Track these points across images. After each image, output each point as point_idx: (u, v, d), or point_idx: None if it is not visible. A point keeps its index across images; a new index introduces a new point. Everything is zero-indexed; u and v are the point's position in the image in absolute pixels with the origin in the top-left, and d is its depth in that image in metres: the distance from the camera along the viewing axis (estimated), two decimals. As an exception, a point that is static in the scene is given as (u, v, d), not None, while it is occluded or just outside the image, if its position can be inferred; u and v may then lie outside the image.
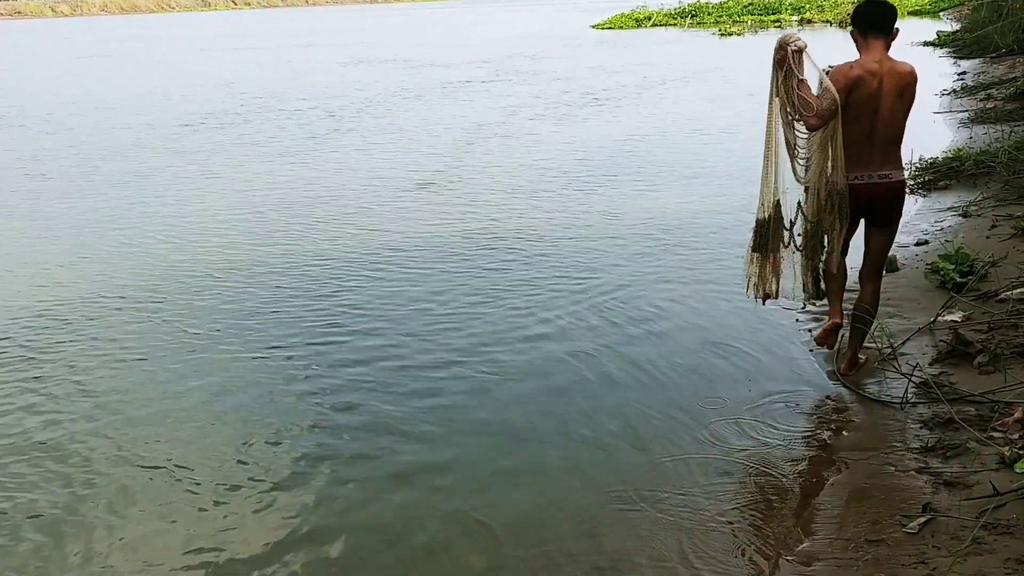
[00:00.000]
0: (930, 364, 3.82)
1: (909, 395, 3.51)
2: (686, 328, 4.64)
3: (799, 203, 3.84)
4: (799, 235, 3.86)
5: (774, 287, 3.97)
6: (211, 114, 14.76)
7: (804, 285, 4.00)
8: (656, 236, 6.43)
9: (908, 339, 4.11)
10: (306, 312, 5.16)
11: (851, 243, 3.91)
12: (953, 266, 4.66)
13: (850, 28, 3.79)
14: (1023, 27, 14.45)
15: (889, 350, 3.96)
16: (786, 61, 3.62)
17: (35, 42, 46.18)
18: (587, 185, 8.24)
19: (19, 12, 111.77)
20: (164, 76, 22.96)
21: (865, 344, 4.03)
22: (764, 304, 4.12)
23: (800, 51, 3.66)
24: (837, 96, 3.52)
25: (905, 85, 3.60)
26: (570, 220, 7.03)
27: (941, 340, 3.95)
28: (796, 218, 3.85)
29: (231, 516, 3.16)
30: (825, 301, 4.07)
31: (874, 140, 3.60)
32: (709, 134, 10.83)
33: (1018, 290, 4.27)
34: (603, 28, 35.10)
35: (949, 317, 4.22)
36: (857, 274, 3.96)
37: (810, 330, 4.45)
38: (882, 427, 3.38)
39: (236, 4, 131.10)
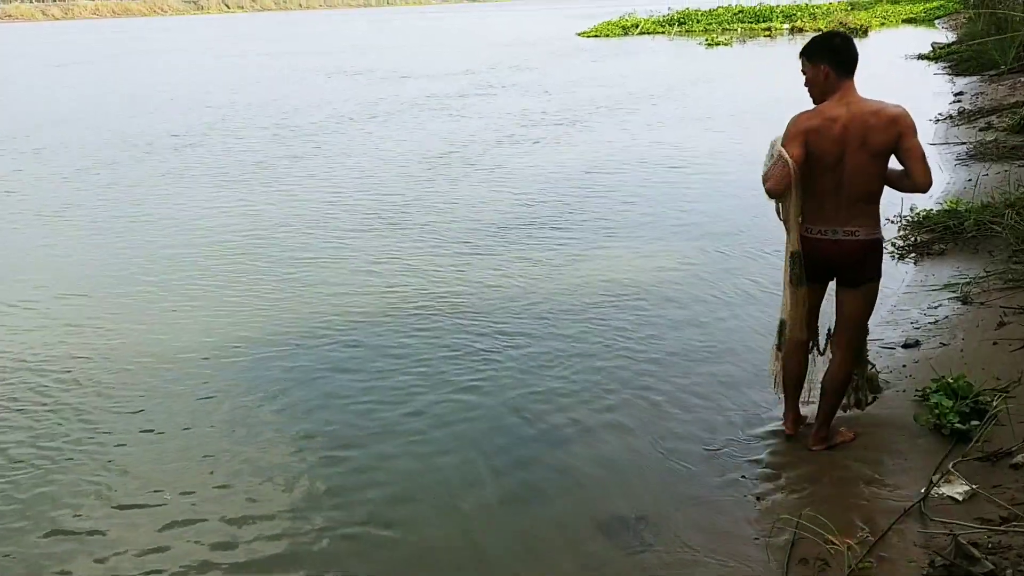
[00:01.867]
0: (919, 585, 2.68)
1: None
2: (592, 496, 3.46)
3: None
4: None
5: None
6: (159, 136, 13.71)
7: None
8: (603, 313, 5.29)
9: (891, 528, 2.97)
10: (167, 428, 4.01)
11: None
12: (951, 402, 3.52)
13: (818, 64, 3.25)
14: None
15: (860, 556, 2.81)
16: None
17: (19, 47, 45.10)
18: (539, 236, 7.13)
19: (9, 16, 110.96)
20: (137, 87, 21.95)
21: (831, 540, 2.90)
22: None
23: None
24: (787, 157, 3.17)
25: (868, 130, 3.14)
26: (511, 284, 5.93)
27: (936, 553, 2.79)
28: None
29: None
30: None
31: (841, 193, 3.21)
32: (682, 168, 9.71)
33: (1040, 452, 3.14)
34: (589, 36, 34.04)
35: (946, 491, 3.08)
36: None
37: (759, 496, 3.31)
38: None
39: (229, 7, 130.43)
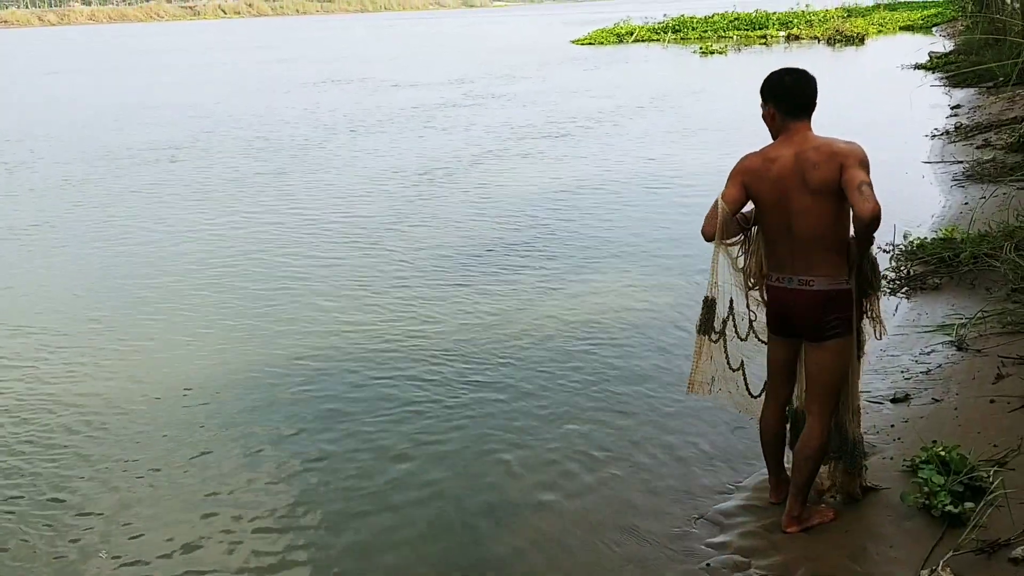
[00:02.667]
0: None
1: None
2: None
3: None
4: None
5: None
6: (139, 150, 13.37)
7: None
8: (569, 360, 4.91)
9: (871, 636, 2.60)
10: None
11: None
12: (943, 479, 3.14)
13: (766, 104, 3.03)
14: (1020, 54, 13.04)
15: None
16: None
17: (13, 52, 44.85)
18: (514, 266, 6.81)
19: (4, 21, 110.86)
20: (125, 97, 21.68)
21: None
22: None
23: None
24: (721, 200, 3.02)
25: (808, 168, 2.88)
26: (476, 324, 5.57)
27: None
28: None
29: None
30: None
31: (791, 238, 2.97)
32: (667, 188, 9.36)
33: (1042, 545, 2.76)
34: (583, 43, 33.76)
35: (936, 590, 2.71)
36: None
37: (725, 598, 2.93)
38: None
39: (225, 13, 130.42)
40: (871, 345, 4.82)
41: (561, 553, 3.22)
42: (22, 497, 3.73)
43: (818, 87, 3.00)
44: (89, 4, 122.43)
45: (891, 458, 3.55)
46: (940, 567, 2.75)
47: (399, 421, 4.29)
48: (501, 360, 4.97)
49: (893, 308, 5.46)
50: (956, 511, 3.02)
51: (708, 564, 3.07)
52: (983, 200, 7.41)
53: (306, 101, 19.14)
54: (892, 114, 12.91)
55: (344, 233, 8.09)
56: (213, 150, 13.19)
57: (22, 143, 14.61)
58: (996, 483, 3.03)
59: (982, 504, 2.98)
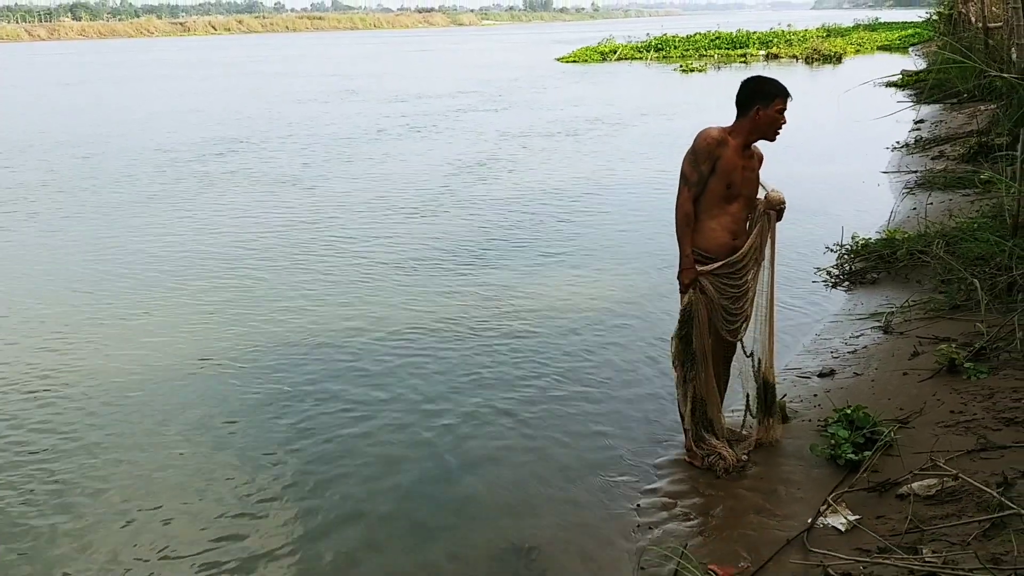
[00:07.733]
0: (790, 620, 2.71)
1: None
2: (489, 528, 3.43)
3: None
4: None
5: None
6: (101, 163, 13.61)
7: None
8: (523, 336, 5.31)
9: (771, 558, 3.00)
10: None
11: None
12: (848, 433, 3.57)
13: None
14: (982, 72, 13.61)
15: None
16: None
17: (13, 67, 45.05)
18: (483, 268, 7.15)
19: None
20: (107, 108, 21.94)
21: (712, 569, 2.93)
22: None
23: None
24: None
25: None
26: (440, 311, 5.92)
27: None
28: None
29: None
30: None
31: None
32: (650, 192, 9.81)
33: (921, 483, 3.17)
34: (567, 61, 34.37)
35: (831, 521, 3.12)
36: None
37: (651, 526, 3.33)
38: None
39: (215, 29, 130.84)
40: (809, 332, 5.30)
41: (505, 501, 3.59)
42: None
43: (744, 91, 3.47)
44: (79, 19, 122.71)
45: (810, 420, 3.97)
46: (835, 501, 3.16)
47: (359, 387, 4.67)
48: (454, 336, 5.36)
49: (833, 301, 5.91)
50: (857, 459, 3.44)
51: (639, 505, 3.47)
52: (930, 205, 7.89)
53: (308, 112, 19.72)
54: (859, 128, 13.44)
55: (302, 246, 8.32)
56: (192, 161, 13.44)
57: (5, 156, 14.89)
58: (887, 433, 3.46)
59: (875, 449, 3.40)
